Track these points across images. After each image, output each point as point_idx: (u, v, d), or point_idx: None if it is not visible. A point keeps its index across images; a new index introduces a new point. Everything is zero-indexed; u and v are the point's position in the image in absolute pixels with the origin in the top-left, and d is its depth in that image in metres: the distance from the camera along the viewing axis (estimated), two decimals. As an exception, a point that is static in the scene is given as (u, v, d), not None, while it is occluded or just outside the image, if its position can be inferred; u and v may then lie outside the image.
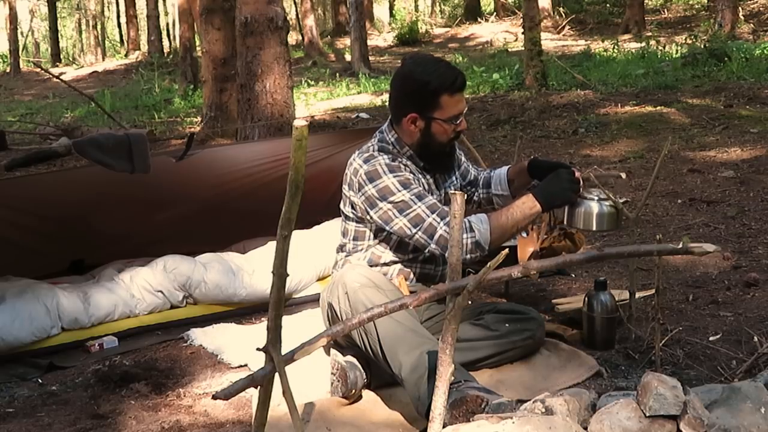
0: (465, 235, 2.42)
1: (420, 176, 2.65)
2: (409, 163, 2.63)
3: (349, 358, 2.49)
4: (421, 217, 2.46)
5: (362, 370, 2.48)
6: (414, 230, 2.47)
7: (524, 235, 2.46)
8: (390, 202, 2.49)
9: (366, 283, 2.42)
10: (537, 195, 2.51)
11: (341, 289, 2.46)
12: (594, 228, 2.60)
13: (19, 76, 20.93)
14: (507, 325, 2.64)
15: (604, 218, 2.56)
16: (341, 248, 2.77)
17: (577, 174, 2.56)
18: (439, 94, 2.53)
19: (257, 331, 3.13)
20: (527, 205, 2.50)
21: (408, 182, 2.52)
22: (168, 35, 28.84)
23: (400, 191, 2.49)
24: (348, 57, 16.22)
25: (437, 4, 29.18)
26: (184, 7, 12.43)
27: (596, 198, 2.56)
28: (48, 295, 3.16)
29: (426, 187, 2.64)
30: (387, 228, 2.54)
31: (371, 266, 2.65)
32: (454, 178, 2.82)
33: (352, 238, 2.70)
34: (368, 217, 2.58)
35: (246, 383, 1.74)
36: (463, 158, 2.93)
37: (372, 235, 2.67)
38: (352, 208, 2.65)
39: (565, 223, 2.64)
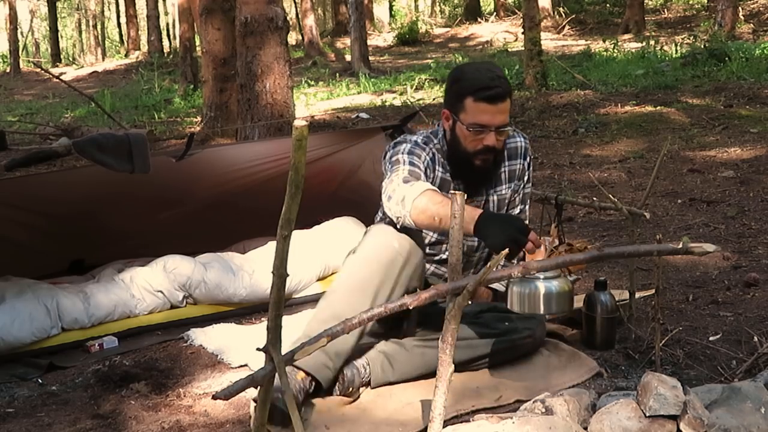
0: (400, 207, 2.37)
1: (443, 175, 2.65)
2: (441, 159, 2.65)
3: (348, 357, 2.49)
4: (396, 171, 2.47)
5: (360, 369, 2.48)
6: (388, 174, 2.50)
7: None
8: (391, 163, 2.54)
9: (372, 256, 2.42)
10: (480, 220, 2.23)
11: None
12: (541, 311, 2.28)
13: (19, 76, 20.93)
14: (506, 323, 2.64)
15: (552, 299, 2.24)
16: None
17: (532, 237, 2.22)
18: (464, 96, 2.51)
19: (257, 331, 3.13)
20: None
21: (415, 159, 2.54)
22: (168, 35, 28.87)
23: (403, 159, 2.52)
24: (348, 57, 16.22)
25: (437, 4, 29.19)
26: (184, 7, 12.44)
27: (541, 277, 2.24)
28: (48, 295, 3.16)
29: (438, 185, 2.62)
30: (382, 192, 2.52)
31: None
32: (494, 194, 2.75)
33: (380, 219, 2.73)
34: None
35: (246, 383, 1.74)
36: (528, 190, 2.84)
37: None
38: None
39: (508, 305, 2.31)
